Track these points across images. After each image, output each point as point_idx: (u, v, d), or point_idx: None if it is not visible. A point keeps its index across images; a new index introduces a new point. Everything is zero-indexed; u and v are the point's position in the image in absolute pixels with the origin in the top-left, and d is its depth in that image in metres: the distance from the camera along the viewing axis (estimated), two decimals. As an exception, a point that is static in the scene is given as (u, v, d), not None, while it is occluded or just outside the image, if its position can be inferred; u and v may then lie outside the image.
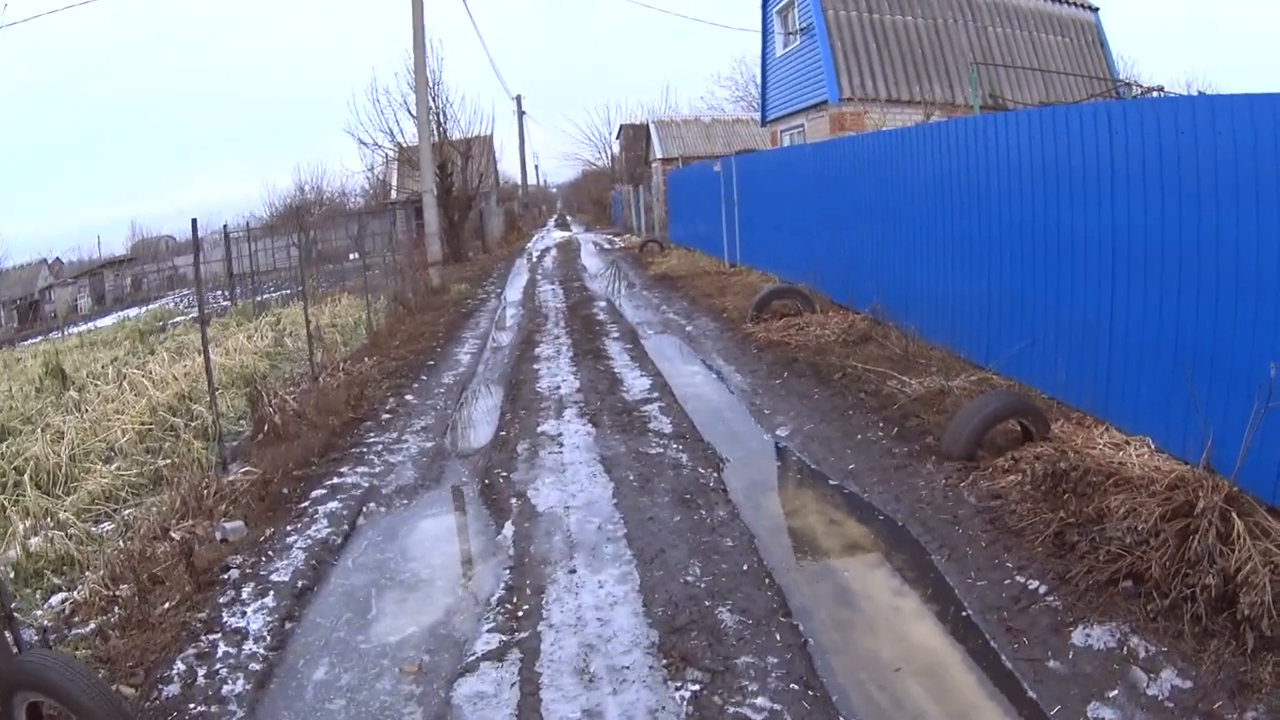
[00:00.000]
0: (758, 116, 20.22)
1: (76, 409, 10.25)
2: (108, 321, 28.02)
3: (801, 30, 14.98)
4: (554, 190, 67.62)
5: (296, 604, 4.03)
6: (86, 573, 5.15)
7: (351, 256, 17.10)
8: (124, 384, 11.30)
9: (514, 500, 4.81)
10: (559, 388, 7.43)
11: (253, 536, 5.21)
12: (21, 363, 18.02)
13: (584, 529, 4.22)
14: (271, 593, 4.22)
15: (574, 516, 4.40)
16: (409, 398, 8.03)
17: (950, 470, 4.20)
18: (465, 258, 24.86)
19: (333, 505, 5.37)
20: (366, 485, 5.63)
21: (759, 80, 18.44)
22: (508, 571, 3.94)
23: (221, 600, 4.23)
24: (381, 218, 23.06)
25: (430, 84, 20.72)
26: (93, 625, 4.33)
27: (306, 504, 5.69)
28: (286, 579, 4.32)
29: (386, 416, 7.50)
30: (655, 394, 6.76)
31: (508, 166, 50.07)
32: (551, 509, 4.56)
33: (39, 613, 4.71)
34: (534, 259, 24.33)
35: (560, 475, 5.11)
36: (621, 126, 35.89)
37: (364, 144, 28.93)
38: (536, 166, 75.25)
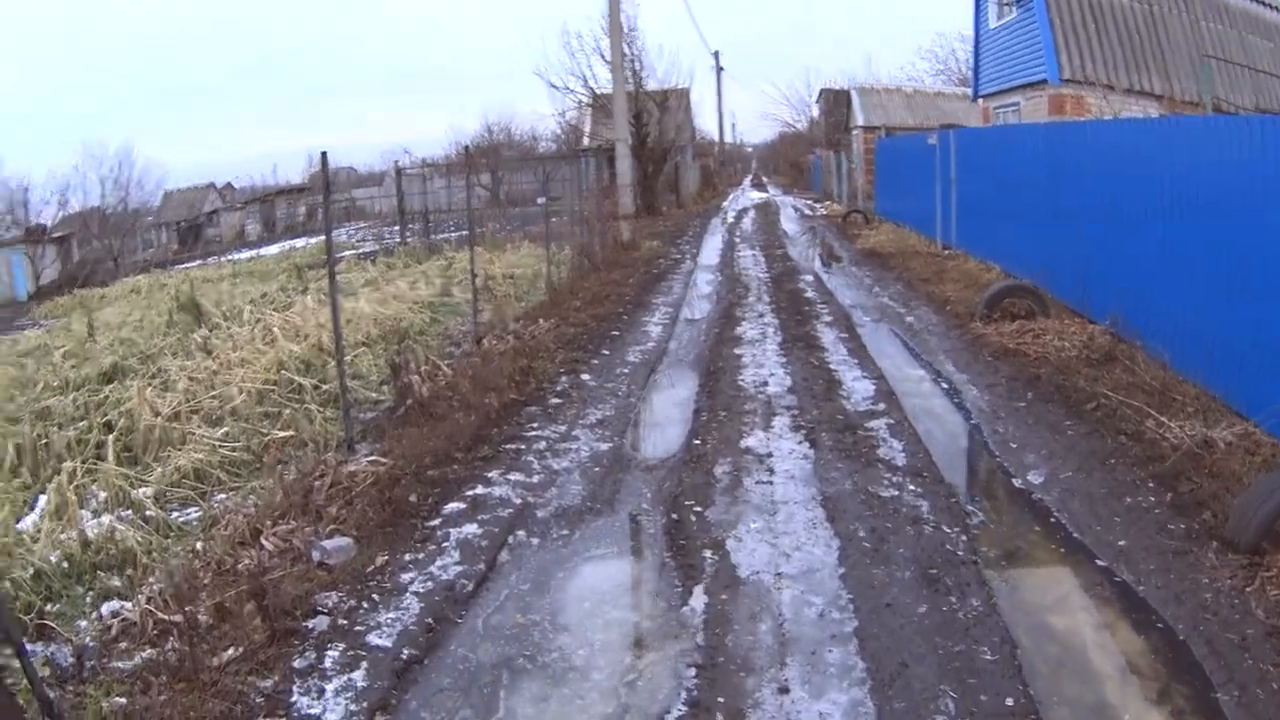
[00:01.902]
0: (960, 90, 28.93)
1: (202, 351, 12.94)
2: (273, 250, 37.12)
3: (1017, 1, 20.75)
4: (750, 149, 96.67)
5: (394, 689, 4.37)
6: (150, 578, 6.05)
7: (539, 201, 21.56)
8: (257, 328, 14.13)
9: (708, 553, 5.45)
10: (766, 384, 9.01)
11: (359, 562, 5.72)
12: (166, 289, 23.83)
13: (801, 615, 4.70)
14: (364, 665, 4.59)
15: (788, 593, 4.94)
16: (585, 377, 9.72)
17: (1235, 567, 5.01)
18: (658, 212, 35.77)
19: (470, 529, 6.08)
20: (518, 502, 6.44)
21: (964, 53, 25.36)
22: (693, 673, 4.28)
23: (296, 664, 4.67)
24: (572, 164, 33.05)
25: (625, 30, 29.47)
26: (138, 660, 4.99)
27: (437, 523, 6.27)
28: (389, 645, 4.78)
29: (555, 401, 8.88)
30: (880, 405, 8.20)
31: (704, 123, 67.48)
32: (758, 575, 5.14)
33: (84, 624, 5.59)
34: (731, 219, 33.20)
35: (770, 520, 5.86)
36: (822, 90, 50.81)
37: (555, 88, 39.88)
38: (733, 125, 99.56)
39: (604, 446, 7.48)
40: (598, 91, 37.89)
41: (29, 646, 5.45)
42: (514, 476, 6.93)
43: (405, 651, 4.66)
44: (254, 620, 5.13)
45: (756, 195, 51.58)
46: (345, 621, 5.04)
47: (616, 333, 12.17)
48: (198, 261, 38.17)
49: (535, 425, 8.16)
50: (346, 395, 8.50)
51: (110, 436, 9.15)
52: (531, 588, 5.18)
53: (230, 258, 37.09)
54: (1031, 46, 20.11)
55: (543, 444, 7.65)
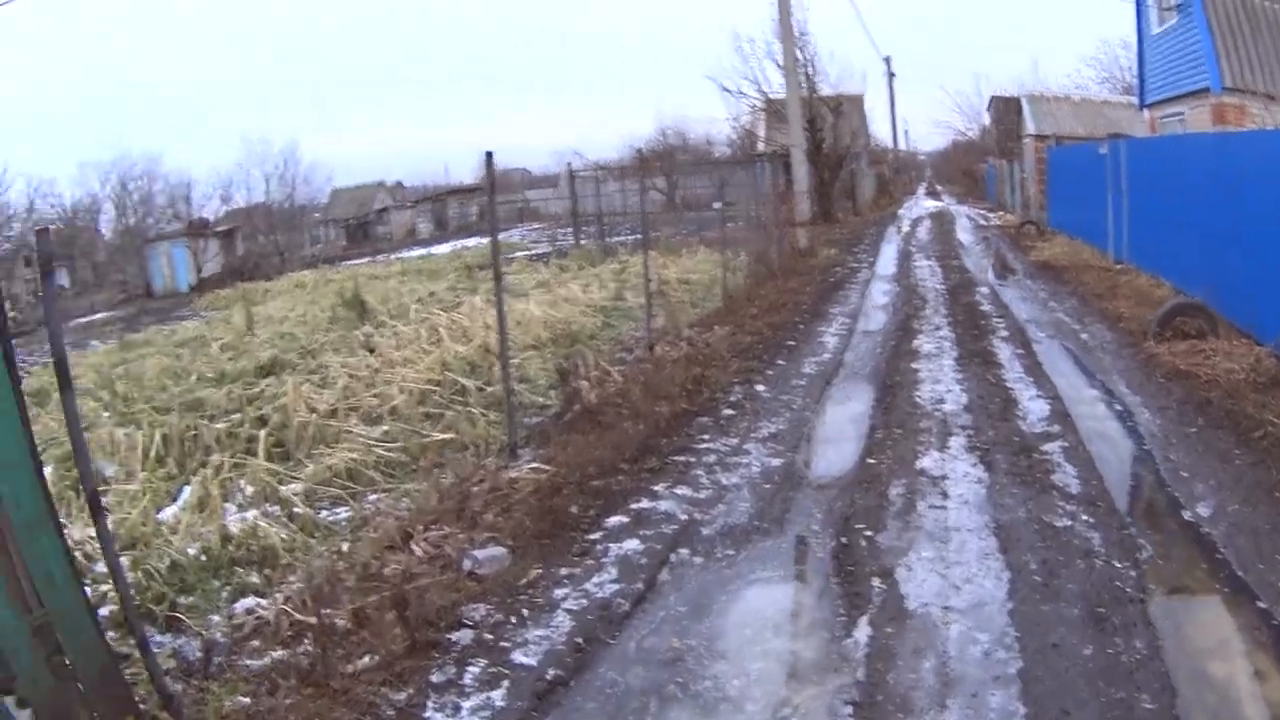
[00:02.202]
0: (1125, 99, 30.50)
1: (365, 349, 13.45)
2: (444, 249, 39.05)
3: (1177, 6, 21.45)
4: (923, 157, 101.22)
5: (534, 712, 4.43)
6: (290, 578, 6.26)
7: (714, 206, 22.58)
8: (423, 327, 14.66)
9: (876, 581, 5.58)
10: (942, 401, 9.43)
11: (512, 574, 5.80)
12: (332, 285, 25.13)
13: (966, 654, 4.77)
14: (506, 684, 4.63)
15: (954, 628, 5.02)
16: (760, 388, 10.28)
17: None
18: (834, 219, 38.52)
19: (631, 545, 6.25)
20: (684, 518, 6.67)
21: (1127, 60, 26.29)
22: (849, 711, 4.32)
23: (434, 678, 4.74)
24: (748, 169, 35.45)
25: (796, 33, 31.41)
26: (268, 660, 5.12)
27: (597, 536, 6.37)
28: (534, 664, 4.85)
29: (728, 413, 9.31)
30: (1055, 426, 8.51)
31: (877, 130, 68.59)
32: (926, 609, 5.23)
33: (216, 619, 5.81)
34: (906, 228, 35.58)
35: (942, 548, 6.00)
36: (992, 98, 52.87)
37: (727, 91, 42.76)
38: (906, 132, 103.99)
39: (776, 462, 7.76)
40: (770, 96, 40.59)
41: (157, 638, 5.69)
42: (681, 491, 7.16)
43: (550, 672, 4.72)
44: (394, 629, 5.21)
45: (931, 204, 54.82)
46: (490, 636, 5.13)
47: (793, 342, 12.90)
48: (366, 258, 41.01)
49: (706, 437, 8.52)
50: (511, 398, 8.74)
51: (262, 431, 9.58)
52: (690, 610, 5.27)
53: (400, 255, 39.60)
54: (1192, 54, 20.89)
55: (713, 457, 7.95)
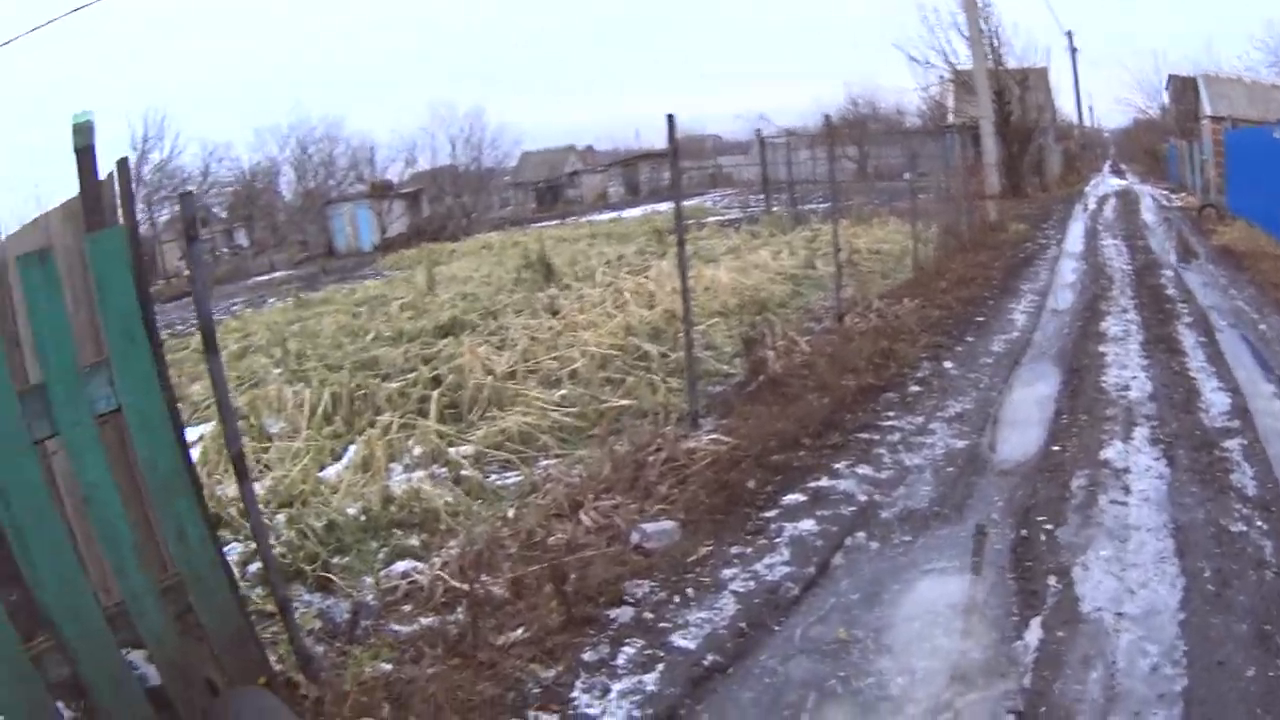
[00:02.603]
0: None
1: (548, 311, 13.72)
2: (635, 213, 39.81)
3: None
4: (1106, 135, 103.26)
5: (687, 698, 4.45)
6: (451, 543, 6.33)
7: (904, 176, 23.07)
8: (608, 291, 14.93)
9: (1052, 580, 5.59)
10: (1128, 388, 9.55)
11: (680, 550, 5.74)
12: (519, 247, 25.77)
13: (1134, 667, 4.73)
14: (660, 667, 4.58)
15: (1125, 637, 5.00)
16: (947, 365, 10.56)
17: None
18: (1023, 194, 39.50)
19: (806, 525, 6.27)
20: (863, 499, 6.73)
21: None
22: None
23: (586, 657, 4.71)
24: (937, 140, 37.52)
25: (979, 5, 34.47)
26: (416, 627, 5.16)
27: (773, 514, 6.34)
28: (693, 648, 4.83)
29: (914, 389, 9.57)
30: (1235, 422, 8.41)
31: (1062, 105, 69.80)
32: (1098, 613, 5.22)
33: (369, 581, 5.90)
34: (1092, 205, 36.61)
35: (1120, 548, 6.01)
36: (1170, 77, 55.83)
37: (915, 61, 45.13)
38: (1090, 108, 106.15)
39: (960, 444, 7.83)
40: (957, 67, 42.60)
41: (306, 597, 5.82)
42: (862, 470, 7.21)
43: (709, 658, 4.70)
44: (551, 602, 5.18)
45: (1116, 182, 55.20)
46: (651, 615, 5.11)
47: (981, 318, 13.25)
48: (555, 221, 41.85)
49: (891, 414, 8.64)
50: (694, 365, 8.73)
51: (435, 392, 9.77)
52: (861, 599, 5.26)
53: (589, 219, 40.32)
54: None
55: (897, 436, 8.03)
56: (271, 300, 25.77)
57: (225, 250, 53.36)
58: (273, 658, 4.80)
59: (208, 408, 11.05)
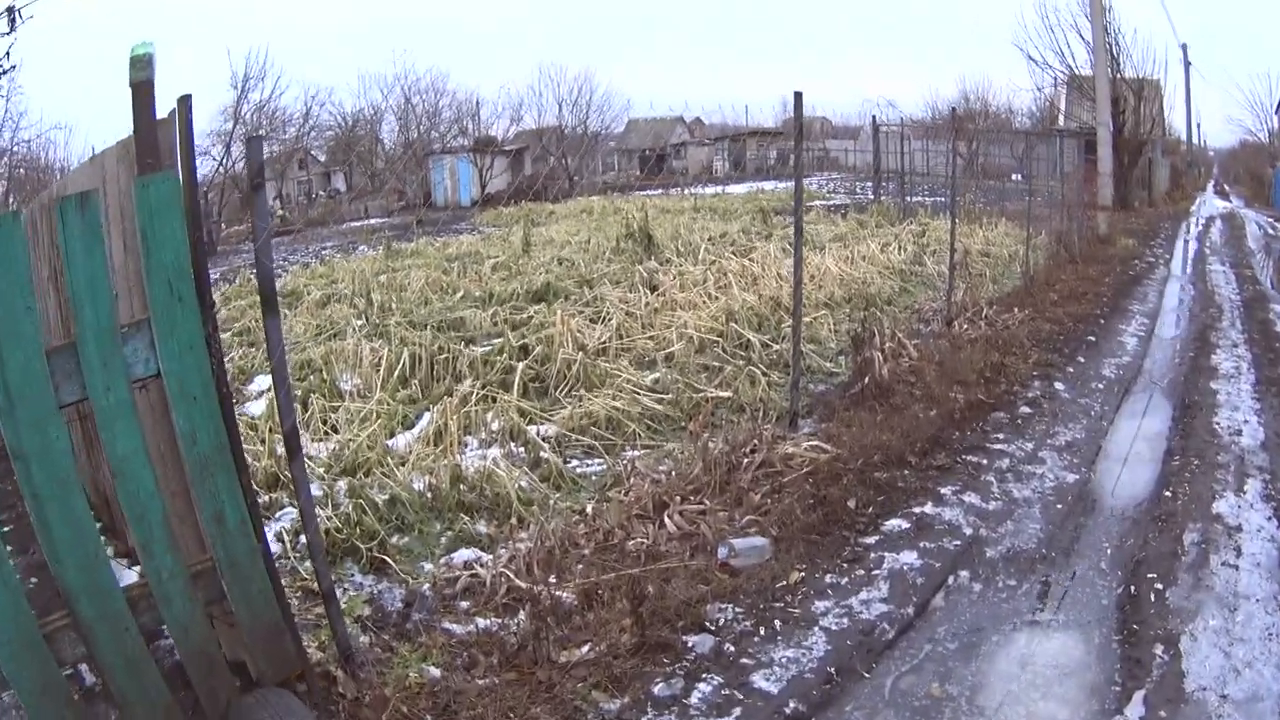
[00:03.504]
0: None
1: (646, 286, 13.29)
2: (739, 190, 39.86)
3: None
4: (1211, 154, 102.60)
5: None
6: (521, 534, 6.05)
7: (1014, 177, 23.09)
8: (711, 269, 14.51)
9: (1159, 649, 5.33)
10: (1239, 432, 9.26)
11: (770, 572, 5.39)
12: (620, 214, 25.53)
13: None
14: (738, 711, 4.29)
15: None
16: (1058, 386, 10.36)
17: None
18: (1130, 208, 39.61)
19: (907, 558, 6.01)
20: (968, 532, 6.49)
21: None
22: None
23: (656, 690, 4.44)
24: (1048, 143, 36.81)
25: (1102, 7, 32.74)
26: (473, 628, 4.90)
27: (872, 541, 6.06)
28: (774, 692, 4.54)
29: (1025, 411, 9.36)
30: None
31: (1170, 119, 68.61)
32: (1203, 693, 5.02)
33: (428, 568, 5.68)
34: (1198, 227, 36.06)
35: (1228, 619, 5.73)
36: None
37: (1033, 61, 45.10)
38: (1198, 125, 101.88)
39: (1070, 478, 7.54)
40: (1075, 70, 42.26)
41: (358, 578, 5.58)
42: (969, 498, 6.95)
43: (791, 705, 4.42)
44: (624, 619, 4.86)
45: (1220, 204, 54.99)
46: (732, 648, 4.77)
47: (1092, 338, 13.00)
48: (659, 190, 41.93)
49: (1001, 436, 8.40)
50: (799, 361, 8.41)
51: (521, 364, 9.48)
52: (958, 648, 4.99)
53: (694, 191, 40.42)
54: None
55: (1006, 462, 7.78)
56: (362, 248, 25.85)
57: (322, 193, 54.23)
58: (314, 644, 4.63)
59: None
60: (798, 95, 8.31)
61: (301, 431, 8.05)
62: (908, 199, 30.43)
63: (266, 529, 6.25)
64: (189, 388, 3.40)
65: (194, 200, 3.42)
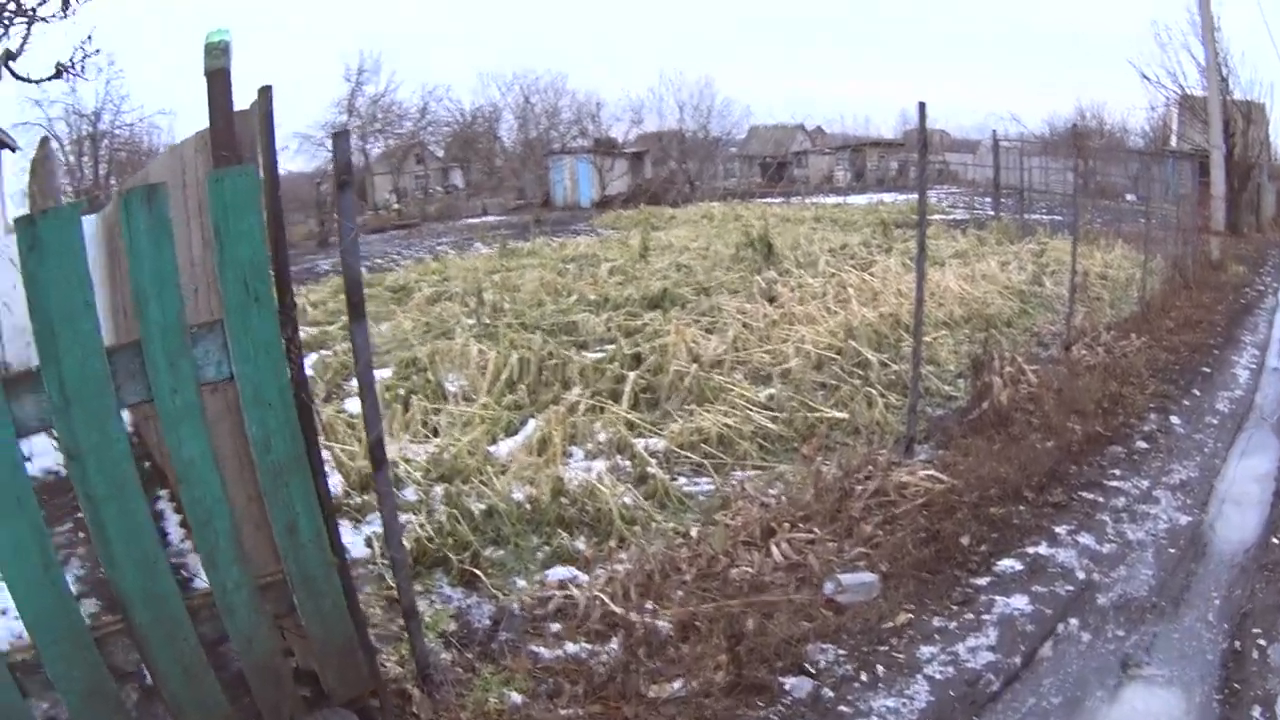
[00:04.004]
0: None
1: (764, 297, 13.01)
2: (859, 200, 39.96)
3: None
4: None
5: None
6: (621, 554, 5.84)
7: (1128, 197, 22.59)
8: (831, 283, 14.18)
9: (1257, 710, 5.12)
10: None
11: (877, 611, 5.13)
12: (740, 221, 25.35)
13: None
14: None
15: None
16: (1174, 420, 10.07)
17: None
18: (1239, 233, 38.08)
19: (1018, 603, 5.77)
20: (1081, 577, 6.21)
21: None
22: None
23: None
24: (1160, 164, 36.22)
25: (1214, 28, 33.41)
26: (561, 653, 4.71)
27: (984, 582, 5.81)
28: None
29: (1141, 445, 9.06)
30: None
31: (1276, 144, 66.46)
32: None
33: (521, 584, 5.50)
34: None
35: None
36: None
37: (1146, 79, 43.36)
38: None
39: (1183, 520, 7.24)
40: (1186, 91, 41.29)
41: (447, 591, 5.44)
42: (1084, 539, 6.65)
43: None
44: (720, 655, 4.61)
45: None
46: (831, 694, 4.52)
47: (1207, 369, 12.66)
48: (779, 199, 42.06)
49: (1117, 473, 8.08)
50: (918, 384, 8.13)
51: (633, 374, 9.27)
52: (1063, 704, 4.74)
53: (814, 200, 40.50)
54: None
55: (1121, 501, 7.45)
56: (478, 245, 26.06)
57: (439, 189, 54.99)
58: (394, 657, 4.51)
59: (387, 352, 10.89)
60: (921, 106, 8.07)
61: (401, 433, 7.97)
62: (1026, 216, 30.31)
63: (358, 531, 6.20)
64: (264, 392, 3.23)
65: (275, 195, 3.23)
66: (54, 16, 6.87)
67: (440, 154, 58.67)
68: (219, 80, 3.27)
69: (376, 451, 3.87)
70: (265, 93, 3.22)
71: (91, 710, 3.18)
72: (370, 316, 12.44)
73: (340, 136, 3.51)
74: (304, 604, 3.47)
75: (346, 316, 3.89)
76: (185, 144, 3.93)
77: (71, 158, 40.76)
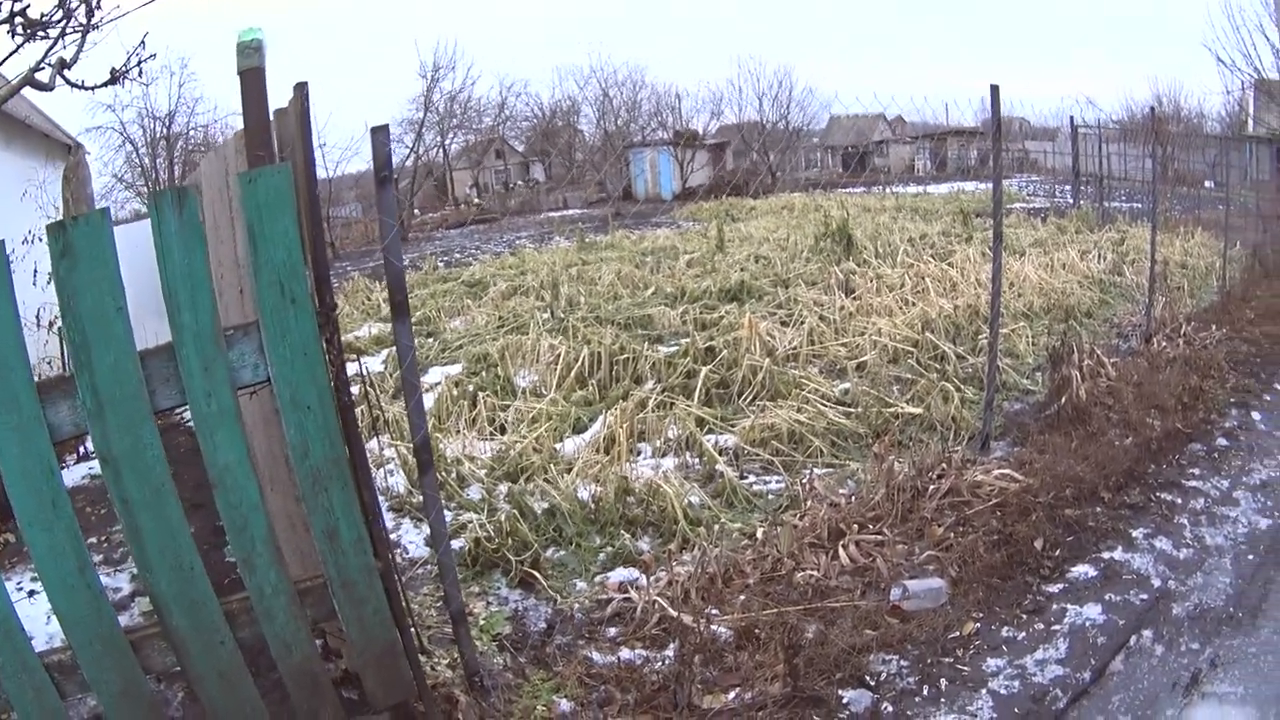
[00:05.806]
0: None
1: (842, 289, 12.78)
2: (940, 190, 39.60)
3: None
4: None
5: None
6: (684, 556, 5.68)
7: (1206, 184, 21.79)
8: (909, 273, 13.88)
9: None
10: None
11: (943, 620, 4.95)
12: (821, 212, 25.09)
13: None
14: None
15: None
16: (1255, 416, 9.66)
17: None
18: None
19: (1091, 612, 5.53)
20: (1157, 584, 5.96)
21: None
22: None
23: None
24: (1239, 150, 34.93)
25: None
26: (614, 659, 4.59)
27: (1056, 590, 5.59)
28: None
29: (1222, 442, 8.71)
30: None
31: None
32: None
33: (580, 585, 5.37)
34: None
35: None
36: None
37: (1221, 63, 42.19)
38: None
39: (1263, 524, 6.87)
40: (1262, 74, 39.53)
41: (504, 592, 5.40)
42: (1160, 544, 6.34)
43: None
44: (777, 665, 4.46)
45: None
46: (890, 708, 4.33)
47: None
48: (860, 188, 41.84)
49: (1196, 472, 7.75)
50: (994, 378, 7.85)
51: (705, 368, 9.09)
52: None
53: (895, 190, 40.01)
54: None
55: (1200, 502, 7.13)
56: (557, 238, 26.04)
57: (520, 183, 55.23)
58: (444, 660, 4.44)
59: (459, 348, 10.86)
60: (994, 89, 7.79)
61: (468, 430, 7.90)
62: (1105, 204, 29.75)
63: (419, 530, 6.15)
64: (302, 396, 3.14)
65: (312, 194, 3.15)
66: (94, 26, 6.92)
67: (521, 148, 58.89)
68: (252, 79, 3.20)
69: (422, 454, 3.80)
70: (300, 89, 3.14)
71: (126, 710, 3.16)
72: (445, 312, 12.53)
73: (379, 131, 3.42)
74: (344, 609, 3.40)
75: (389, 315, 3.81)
76: (226, 144, 3.88)
77: (146, 159, 41.74)
